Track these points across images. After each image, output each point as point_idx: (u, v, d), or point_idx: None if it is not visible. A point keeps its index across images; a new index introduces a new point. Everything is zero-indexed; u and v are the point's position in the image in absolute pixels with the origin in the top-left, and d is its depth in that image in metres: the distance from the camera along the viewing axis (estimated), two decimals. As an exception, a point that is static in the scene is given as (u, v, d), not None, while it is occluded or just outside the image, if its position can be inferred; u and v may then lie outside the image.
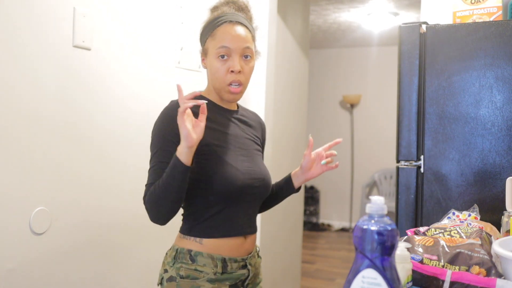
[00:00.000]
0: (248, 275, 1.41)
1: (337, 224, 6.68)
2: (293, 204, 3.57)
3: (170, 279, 1.35)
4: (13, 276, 1.58)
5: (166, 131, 1.32)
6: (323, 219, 6.75)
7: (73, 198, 1.78)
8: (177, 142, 1.25)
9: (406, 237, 1.21)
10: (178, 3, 2.30)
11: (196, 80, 2.44)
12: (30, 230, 1.63)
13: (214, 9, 1.43)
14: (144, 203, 1.34)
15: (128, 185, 2.03)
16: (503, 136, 1.80)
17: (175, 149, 1.25)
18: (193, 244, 1.36)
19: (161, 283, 1.39)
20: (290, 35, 3.48)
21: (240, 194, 1.37)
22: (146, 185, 1.35)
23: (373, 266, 0.70)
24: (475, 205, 1.55)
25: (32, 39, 1.62)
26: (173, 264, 1.36)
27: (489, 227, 1.40)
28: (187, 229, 1.40)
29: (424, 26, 1.96)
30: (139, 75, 2.08)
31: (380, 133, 6.37)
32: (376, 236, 0.70)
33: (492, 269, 1.05)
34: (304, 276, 4.26)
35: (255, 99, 2.93)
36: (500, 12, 1.99)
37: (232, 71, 1.34)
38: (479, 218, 1.49)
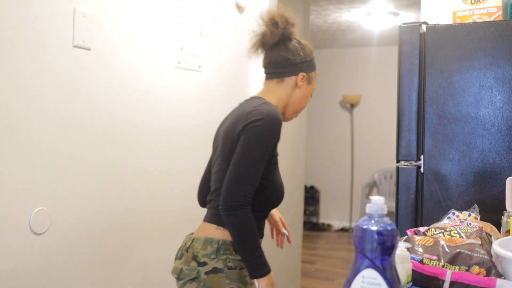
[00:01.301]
0: None
1: (337, 224, 6.67)
2: (293, 204, 3.57)
3: (215, 270, 1.40)
4: (13, 276, 1.58)
5: (275, 137, 1.43)
6: (323, 219, 6.75)
7: (73, 198, 1.78)
8: (274, 147, 1.44)
9: (406, 237, 1.22)
10: (178, 3, 2.30)
11: (196, 80, 2.44)
12: (30, 230, 1.63)
13: (300, 39, 1.63)
14: (241, 206, 1.36)
15: (128, 186, 2.03)
16: (503, 136, 1.80)
17: (269, 154, 1.42)
18: None
19: (196, 277, 1.41)
20: (290, 35, 3.47)
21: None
22: (245, 183, 1.37)
23: (373, 266, 0.70)
24: (475, 205, 1.55)
25: (32, 39, 1.62)
26: (216, 256, 1.41)
27: (489, 227, 1.40)
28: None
29: (424, 26, 1.96)
30: (139, 75, 2.08)
31: (380, 133, 6.37)
32: (376, 236, 0.70)
33: (492, 269, 1.05)
34: (304, 276, 4.26)
35: (255, 99, 2.93)
36: (500, 12, 1.99)
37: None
38: (479, 218, 1.49)
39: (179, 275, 1.46)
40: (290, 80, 1.54)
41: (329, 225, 6.65)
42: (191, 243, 1.47)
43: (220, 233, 1.44)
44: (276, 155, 1.49)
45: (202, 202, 1.71)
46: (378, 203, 0.72)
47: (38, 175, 1.65)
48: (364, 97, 6.49)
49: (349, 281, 0.73)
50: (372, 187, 6.50)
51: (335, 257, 5.19)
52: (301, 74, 1.54)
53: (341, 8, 4.79)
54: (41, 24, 1.65)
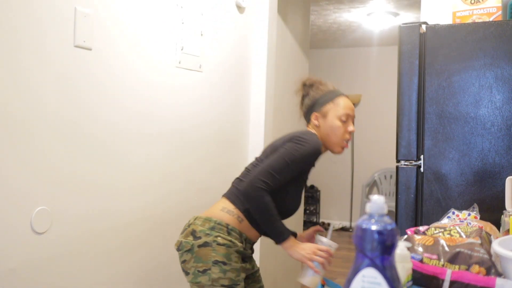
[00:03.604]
0: (251, 255, 1.80)
1: (337, 223, 6.68)
2: (293, 203, 3.57)
3: (205, 244, 1.64)
4: (14, 275, 1.58)
5: (309, 162, 1.73)
6: (323, 218, 6.75)
7: (74, 197, 1.78)
8: (301, 171, 1.73)
9: (406, 236, 1.22)
10: (178, 3, 2.31)
11: (196, 80, 2.44)
12: (31, 230, 1.63)
13: (314, 84, 1.89)
14: (261, 189, 1.62)
15: (129, 185, 2.03)
16: (503, 136, 1.81)
17: (295, 174, 1.70)
18: (233, 220, 1.69)
19: (189, 249, 1.65)
20: (290, 35, 3.48)
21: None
22: (271, 173, 1.64)
23: (373, 265, 0.71)
24: (475, 205, 1.56)
25: (33, 39, 1.63)
26: (209, 233, 1.65)
27: (488, 227, 1.40)
28: (238, 208, 1.72)
29: (424, 26, 1.96)
30: (140, 75, 2.08)
31: (380, 132, 6.37)
32: (376, 236, 0.70)
33: (491, 268, 1.05)
34: (304, 275, 4.25)
35: (255, 99, 2.93)
36: (500, 12, 2.00)
37: (350, 132, 1.80)
38: (478, 217, 1.50)
39: (178, 246, 1.71)
40: (313, 123, 1.84)
41: (329, 225, 6.65)
42: (194, 221, 1.72)
43: (222, 215, 1.70)
44: (305, 180, 1.80)
45: None
46: (378, 202, 0.73)
47: (39, 175, 1.65)
48: (364, 97, 6.49)
49: (349, 280, 0.73)
50: (372, 186, 6.50)
51: (335, 256, 5.17)
52: (313, 115, 1.84)
53: (341, 8, 4.79)
54: (42, 24, 1.65)
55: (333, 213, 6.72)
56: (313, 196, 6.60)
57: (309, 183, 6.60)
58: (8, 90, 1.56)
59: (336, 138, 1.79)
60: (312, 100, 1.87)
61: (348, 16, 5.06)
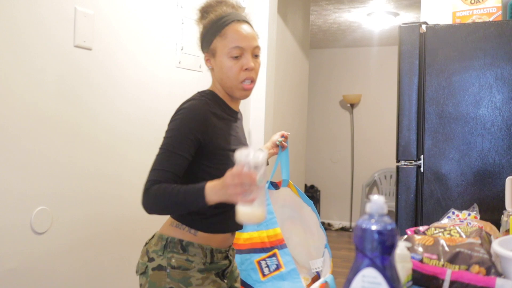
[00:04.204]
0: (229, 265, 1.47)
1: (337, 223, 6.68)
2: (293, 203, 3.57)
3: (159, 268, 1.36)
4: (14, 275, 1.58)
5: (195, 129, 1.33)
6: (323, 218, 6.74)
7: (74, 197, 1.78)
8: (198, 141, 1.32)
9: (406, 236, 1.22)
10: (178, 3, 2.31)
11: (196, 80, 2.44)
12: (31, 230, 1.63)
13: (209, 9, 1.45)
14: (146, 190, 1.29)
15: (130, 184, 2.03)
16: (503, 136, 1.81)
17: (192, 146, 1.31)
18: (185, 234, 1.38)
19: (144, 272, 1.39)
20: (290, 35, 3.48)
21: None
22: (153, 170, 1.32)
23: (373, 265, 0.71)
24: (475, 205, 1.56)
25: (34, 39, 1.63)
26: (162, 253, 1.37)
27: (488, 227, 1.40)
28: (184, 220, 1.40)
29: (424, 26, 1.96)
30: (140, 75, 2.08)
31: (380, 133, 6.37)
32: (376, 236, 0.70)
33: (491, 268, 1.05)
34: (304, 275, 4.25)
35: (255, 99, 2.93)
36: (500, 12, 2.00)
37: (246, 69, 1.38)
38: (478, 217, 1.50)
39: (136, 268, 1.45)
40: (208, 66, 1.47)
41: (329, 225, 6.65)
42: (150, 239, 1.45)
43: (171, 230, 1.40)
44: (225, 150, 1.39)
45: None
46: (378, 202, 0.73)
47: (39, 175, 1.65)
48: (364, 97, 6.49)
49: (349, 280, 0.73)
50: (372, 186, 6.50)
51: (335, 256, 5.19)
52: (205, 57, 1.45)
53: (341, 8, 4.79)
54: (43, 24, 1.65)
55: (333, 213, 6.72)
56: (313, 196, 6.60)
57: (309, 182, 6.60)
58: (8, 90, 1.56)
59: (230, 81, 1.39)
60: (200, 37, 1.46)
61: (348, 16, 5.06)
